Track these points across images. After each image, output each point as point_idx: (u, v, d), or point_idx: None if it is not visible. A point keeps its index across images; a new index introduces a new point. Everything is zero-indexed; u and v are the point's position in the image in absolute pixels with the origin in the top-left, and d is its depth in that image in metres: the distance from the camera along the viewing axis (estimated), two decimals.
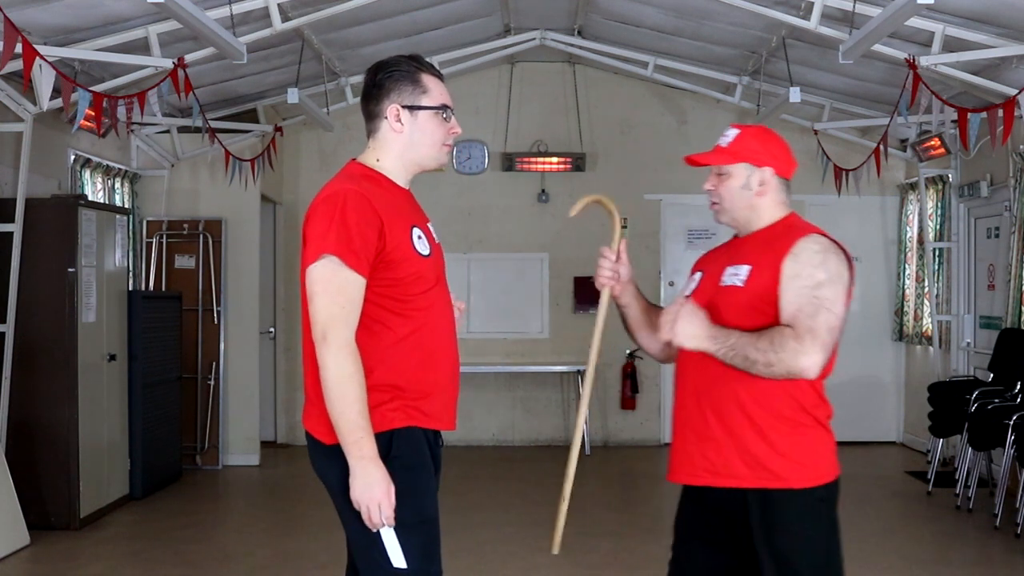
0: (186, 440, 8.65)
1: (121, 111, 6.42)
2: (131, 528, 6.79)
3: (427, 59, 2.86)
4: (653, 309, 3.04)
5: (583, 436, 3.00)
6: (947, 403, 7.54)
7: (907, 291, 9.75)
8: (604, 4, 8.33)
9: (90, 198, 7.49)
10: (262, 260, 9.32)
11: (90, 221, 6.76)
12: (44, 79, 5.76)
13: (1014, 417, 6.33)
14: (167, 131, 8.68)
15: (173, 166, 8.97)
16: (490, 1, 8.32)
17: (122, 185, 8.51)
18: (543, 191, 10.11)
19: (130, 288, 7.78)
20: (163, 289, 8.77)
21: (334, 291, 2.53)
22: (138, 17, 6.32)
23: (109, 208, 7.48)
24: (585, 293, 9.96)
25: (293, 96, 7.71)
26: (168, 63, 6.43)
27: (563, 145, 10.10)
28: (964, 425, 7.03)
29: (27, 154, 6.58)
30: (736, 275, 2.75)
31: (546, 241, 10.13)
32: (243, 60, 6.45)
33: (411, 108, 2.71)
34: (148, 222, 8.88)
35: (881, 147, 7.92)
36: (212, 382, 8.86)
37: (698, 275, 2.91)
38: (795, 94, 7.56)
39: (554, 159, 10.02)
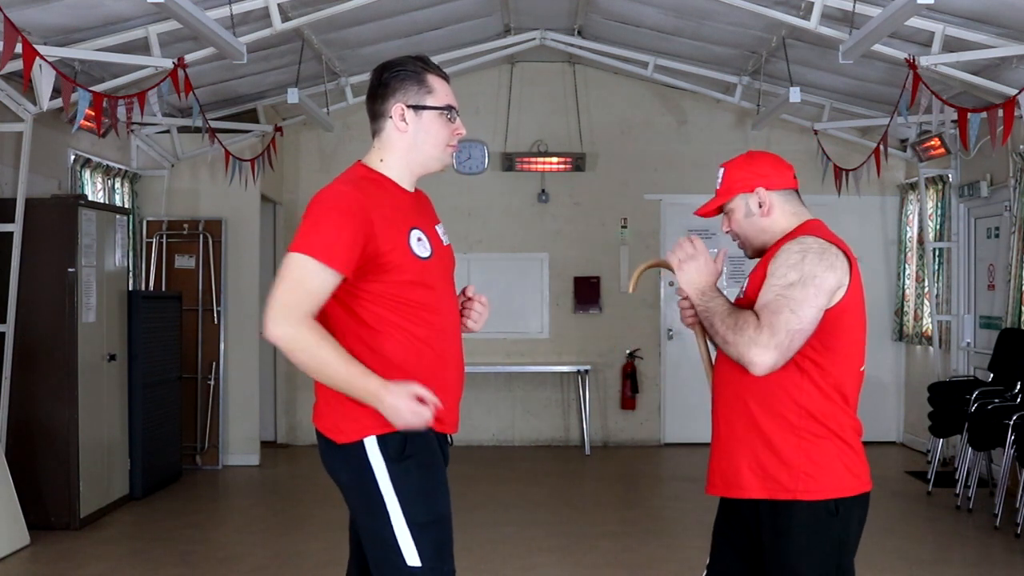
0: (186, 440, 8.65)
1: (121, 111, 6.42)
2: (131, 528, 6.79)
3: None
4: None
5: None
6: (947, 403, 7.54)
7: (907, 291, 9.75)
8: (604, 4, 8.33)
9: (90, 198, 7.49)
10: (262, 260, 9.32)
11: (90, 221, 6.76)
12: (44, 79, 5.76)
13: (1014, 417, 6.33)
14: (167, 131, 8.68)
15: (173, 166, 8.97)
16: (490, 1, 8.32)
17: (122, 185, 8.52)
18: (543, 191, 10.11)
19: (130, 288, 7.78)
20: (163, 289, 8.77)
21: (293, 282, 2.54)
22: (138, 17, 6.32)
23: (109, 208, 7.48)
24: (585, 293, 9.96)
25: (293, 96, 7.71)
26: (168, 63, 6.43)
27: (563, 145, 10.10)
28: (964, 425, 7.03)
29: (27, 154, 6.58)
30: (740, 289, 2.85)
31: (546, 241, 10.13)
32: (243, 60, 6.45)
33: (416, 108, 2.71)
34: (148, 222, 8.88)
35: (881, 147, 7.91)
36: (212, 382, 8.86)
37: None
38: (795, 94, 7.56)
39: (554, 159, 10.02)
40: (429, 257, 2.69)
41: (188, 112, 7.88)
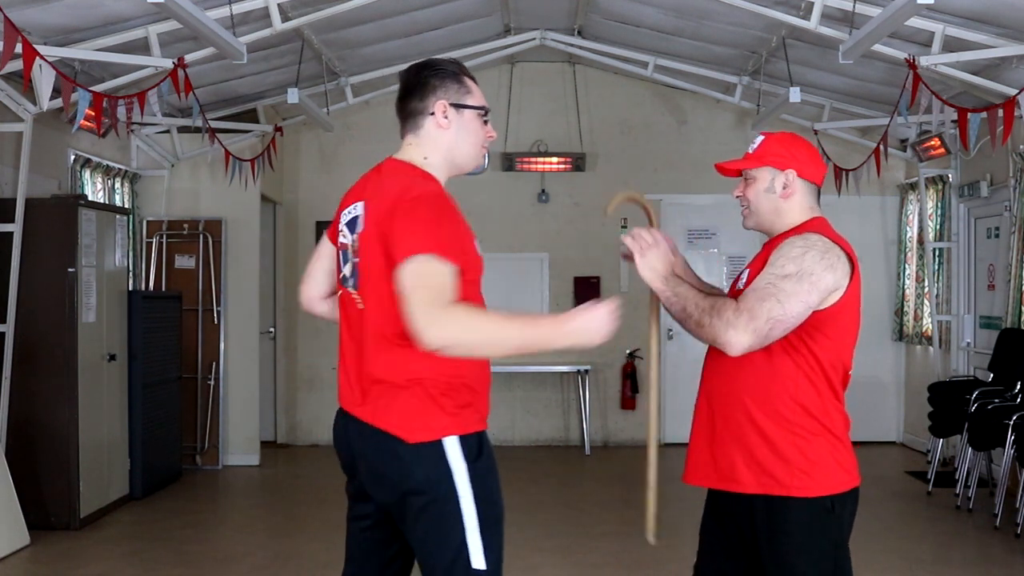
0: (186, 440, 8.65)
1: (121, 111, 6.42)
2: (131, 528, 6.79)
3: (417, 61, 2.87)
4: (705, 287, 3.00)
5: (656, 432, 3.05)
6: (947, 403, 7.54)
7: (907, 291, 9.75)
8: (604, 4, 8.33)
9: (90, 198, 7.49)
10: (262, 260, 9.32)
11: (90, 221, 6.76)
12: (44, 79, 5.76)
13: (1014, 417, 6.33)
14: (167, 131, 8.68)
15: (173, 166, 8.97)
16: (490, 1, 8.32)
17: (122, 185, 8.51)
18: (543, 191, 10.11)
19: (130, 288, 7.78)
20: (163, 289, 8.77)
21: (431, 282, 2.45)
22: (138, 17, 6.32)
23: (109, 208, 7.47)
24: (585, 293, 9.96)
25: (293, 96, 7.71)
26: (168, 63, 6.43)
27: (563, 145, 10.10)
28: (964, 425, 7.03)
29: (27, 154, 6.58)
30: (740, 280, 2.83)
31: (546, 241, 10.13)
32: (243, 60, 6.45)
33: (457, 106, 2.71)
34: (148, 222, 8.88)
35: (881, 147, 7.92)
36: (212, 382, 8.86)
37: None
38: (795, 94, 7.56)
39: (554, 159, 10.02)
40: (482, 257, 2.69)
41: (188, 112, 7.88)
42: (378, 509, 2.71)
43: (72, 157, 7.60)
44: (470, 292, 2.61)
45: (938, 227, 9.10)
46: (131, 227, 8.28)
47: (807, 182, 2.83)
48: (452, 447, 2.58)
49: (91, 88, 6.25)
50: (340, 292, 2.76)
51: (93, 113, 6.13)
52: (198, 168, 9.03)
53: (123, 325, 7.36)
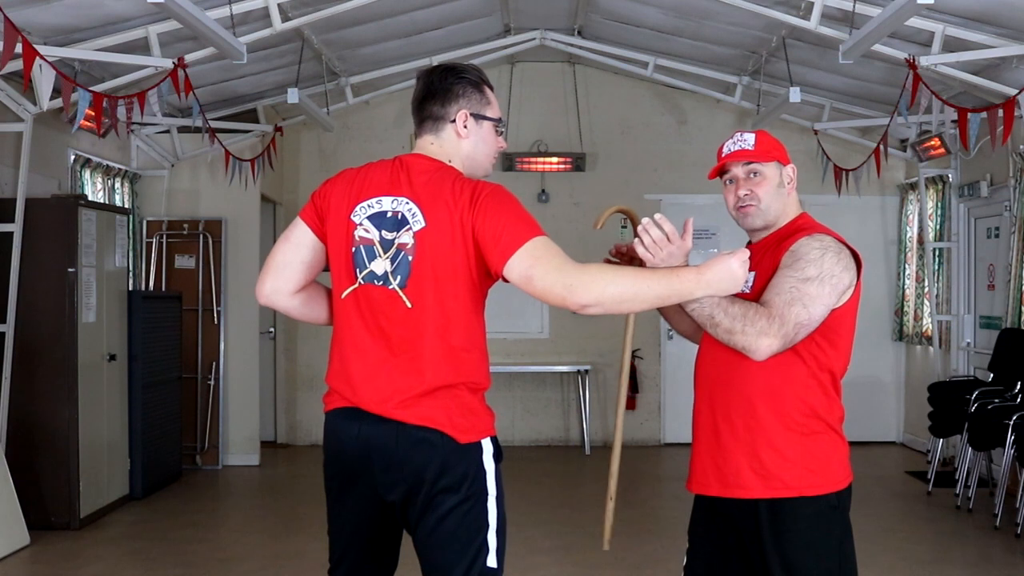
0: (186, 440, 8.65)
1: (121, 111, 6.42)
2: (131, 528, 6.79)
3: (427, 59, 2.87)
4: None
5: (616, 435, 3.04)
6: (947, 403, 7.54)
7: (907, 291, 9.75)
8: (604, 4, 8.33)
9: (90, 198, 7.49)
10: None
11: (90, 221, 6.76)
12: (44, 79, 5.76)
13: (1014, 417, 6.33)
14: (167, 131, 8.68)
15: (173, 166, 8.97)
16: (490, 1, 8.32)
17: (122, 185, 8.52)
18: (543, 191, 10.11)
19: (130, 288, 7.78)
20: (163, 289, 8.77)
21: (555, 251, 2.52)
22: (138, 17, 6.32)
23: (109, 208, 7.48)
24: None
25: (293, 96, 7.71)
26: (168, 63, 6.43)
27: (563, 145, 10.10)
28: (964, 425, 7.03)
29: (27, 154, 6.58)
30: (745, 284, 2.73)
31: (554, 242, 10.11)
32: (243, 60, 6.45)
33: (477, 117, 2.73)
34: (148, 222, 8.88)
35: (881, 147, 7.92)
36: (212, 382, 8.87)
37: None
38: (795, 94, 7.56)
39: (554, 159, 10.02)
40: None
41: (188, 112, 7.88)
42: (370, 510, 2.70)
43: (72, 157, 7.60)
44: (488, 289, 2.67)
45: (938, 227, 9.10)
46: (131, 227, 8.28)
47: None
48: (487, 448, 2.65)
49: (91, 88, 6.25)
50: (354, 288, 2.64)
51: (93, 113, 6.13)
52: (198, 168, 9.03)
53: (123, 325, 7.36)
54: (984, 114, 6.30)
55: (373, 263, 2.62)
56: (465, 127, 2.71)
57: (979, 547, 6.34)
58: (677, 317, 3.00)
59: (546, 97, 10.15)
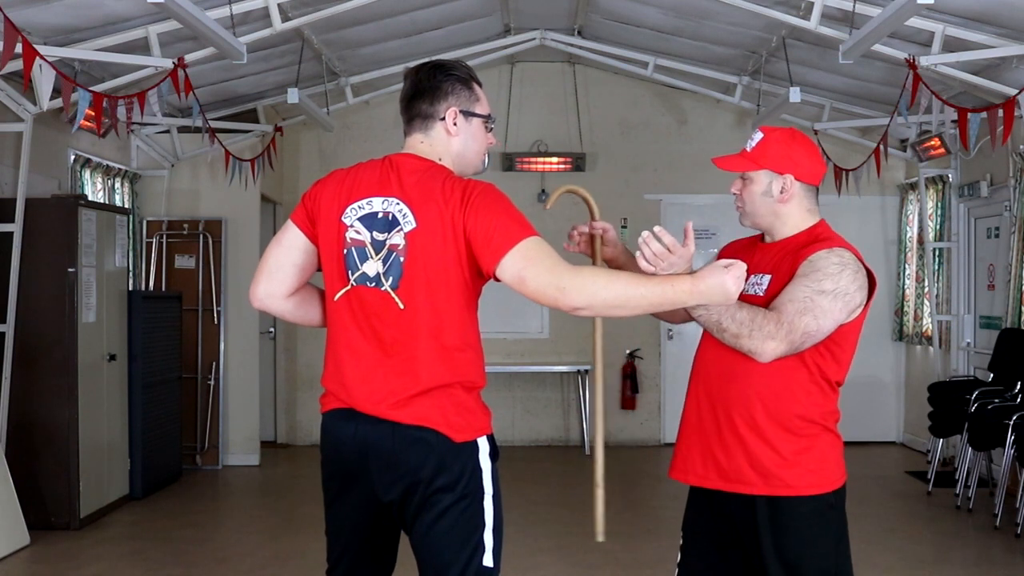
0: (186, 440, 8.65)
1: (121, 111, 6.42)
2: (131, 528, 6.79)
3: (427, 59, 2.86)
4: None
5: (598, 429, 3.03)
6: (947, 403, 7.54)
7: (907, 291, 9.75)
8: (604, 4, 8.33)
9: (90, 198, 7.49)
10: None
11: (90, 221, 6.76)
12: (44, 79, 5.76)
13: (1014, 417, 6.33)
14: (167, 131, 8.68)
15: (173, 166, 8.97)
16: (490, 1, 8.32)
17: (122, 185, 8.52)
18: (543, 191, 10.11)
19: (130, 288, 7.77)
20: (163, 289, 8.77)
21: (548, 252, 2.54)
22: (138, 17, 6.32)
23: (109, 208, 7.47)
24: None
25: (293, 96, 7.71)
26: (168, 63, 6.43)
27: (563, 145, 10.10)
28: (964, 425, 7.03)
29: (27, 154, 6.58)
30: (758, 284, 2.76)
31: (546, 241, 10.10)
32: (243, 60, 6.45)
33: (467, 114, 2.72)
34: (148, 222, 8.88)
35: (881, 147, 7.92)
36: (212, 382, 8.86)
37: None
38: (795, 94, 7.56)
39: (554, 159, 10.02)
40: None
41: (188, 112, 7.88)
42: (368, 510, 2.70)
43: (72, 157, 7.60)
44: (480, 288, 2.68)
45: (938, 227, 9.10)
46: (131, 227, 8.28)
47: (806, 184, 2.79)
48: (484, 446, 2.65)
49: (91, 88, 6.25)
50: (346, 291, 2.64)
51: (93, 113, 6.13)
52: (198, 168, 9.03)
53: (123, 325, 7.36)
54: (984, 114, 6.30)
55: (365, 265, 2.61)
56: (455, 125, 2.71)
57: (979, 547, 6.34)
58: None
59: (546, 97, 10.15)
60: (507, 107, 10.04)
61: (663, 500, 7.71)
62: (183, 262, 8.92)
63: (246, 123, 8.98)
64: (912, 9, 5.38)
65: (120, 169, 8.44)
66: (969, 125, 6.36)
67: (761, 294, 2.73)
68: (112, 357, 7.10)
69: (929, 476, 7.87)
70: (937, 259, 9.12)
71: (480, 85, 2.79)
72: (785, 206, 2.78)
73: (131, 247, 8.25)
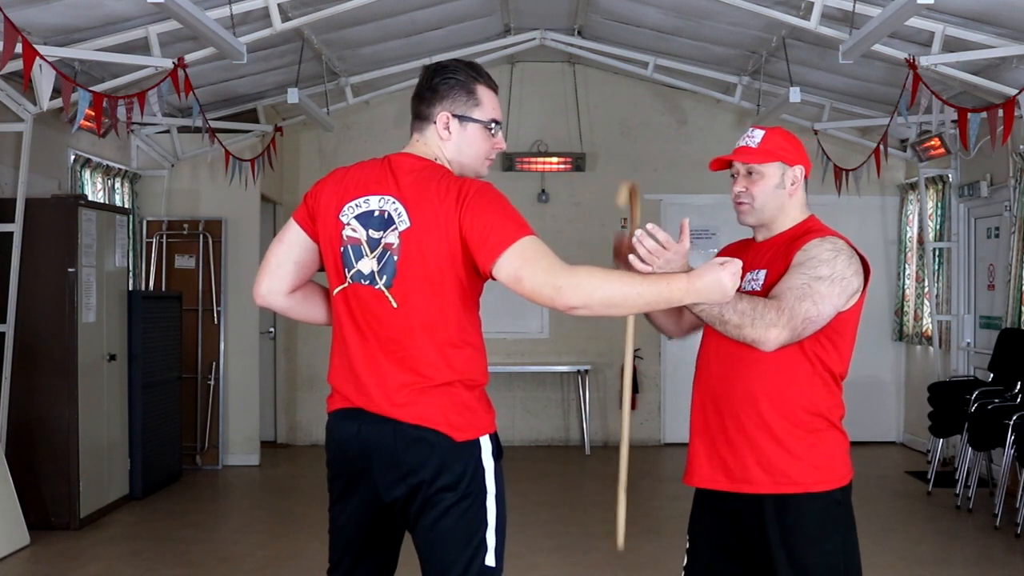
0: (186, 440, 8.65)
1: (121, 111, 6.42)
2: (131, 528, 6.79)
3: (427, 59, 2.84)
4: None
5: (624, 435, 3.00)
6: (947, 403, 7.54)
7: (907, 291, 9.75)
8: (604, 4, 8.33)
9: (90, 198, 7.49)
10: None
11: (90, 221, 6.76)
12: (44, 79, 5.77)
13: (1014, 417, 6.33)
14: (167, 131, 8.68)
15: (173, 166, 8.97)
16: (490, 1, 8.32)
17: (122, 185, 8.52)
18: (543, 191, 10.11)
19: (130, 288, 7.77)
20: (163, 289, 8.77)
21: (545, 251, 2.54)
22: (138, 17, 6.32)
23: (109, 208, 7.48)
24: None
25: (293, 96, 7.71)
26: (168, 63, 6.43)
27: (563, 145, 10.11)
28: (964, 425, 7.03)
29: (27, 154, 6.58)
30: (755, 280, 2.78)
31: (546, 241, 10.00)
32: (243, 60, 6.45)
33: (461, 118, 2.69)
34: (148, 222, 8.88)
35: (881, 147, 7.92)
36: (212, 382, 8.86)
37: None
38: (795, 94, 7.56)
39: (554, 159, 10.02)
40: None
41: (188, 112, 7.88)
42: (370, 510, 2.69)
43: (72, 157, 7.60)
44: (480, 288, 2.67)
45: (938, 227, 9.10)
46: (131, 227, 8.28)
47: (805, 180, 2.87)
48: (486, 445, 2.64)
49: (91, 88, 6.25)
50: (343, 288, 2.65)
51: (93, 113, 6.13)
52: (198, 168, 9.03)
53: (123, 325, 7.36)
54: (984, 114, 6.30)
55: (360, 262, 2.62)
56: (447, 129, 2.69)
57: (979, 547, 6.34)
58: (661, 317, 3.02)
59: (546, 97, 10.15)
60: (507, 107, 10.03)
61: (663, 500, 7.71)
62: (183, 262, 8.92)
63: (246, 123, 8.98)
64: (912, 9, 5.38)
65: (120, 169, 8.44)
66: (969, 125, 6.36)
67: (758, 289, 2.75)
68: (112, 357, 7.10)
69: (929, 476, 7.87)
70: (937, 259, 9.13)
71: (491, 88, 2.74)
72: (792, 199, 2.83)
73: (131, 247, 8.25)
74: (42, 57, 5.67)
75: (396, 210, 2.60)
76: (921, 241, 9.40)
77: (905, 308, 9.76)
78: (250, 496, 8.21)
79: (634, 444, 10.60)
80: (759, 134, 2.83)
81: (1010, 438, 6.31)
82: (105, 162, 8.13)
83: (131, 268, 8.20)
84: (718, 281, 2.50)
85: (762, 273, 2.77)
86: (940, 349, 8.96)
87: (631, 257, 2.62)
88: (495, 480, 2.65)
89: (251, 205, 9.02)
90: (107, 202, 8.11)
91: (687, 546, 2.95)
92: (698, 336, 2.96)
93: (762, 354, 2.66)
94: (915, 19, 6.03)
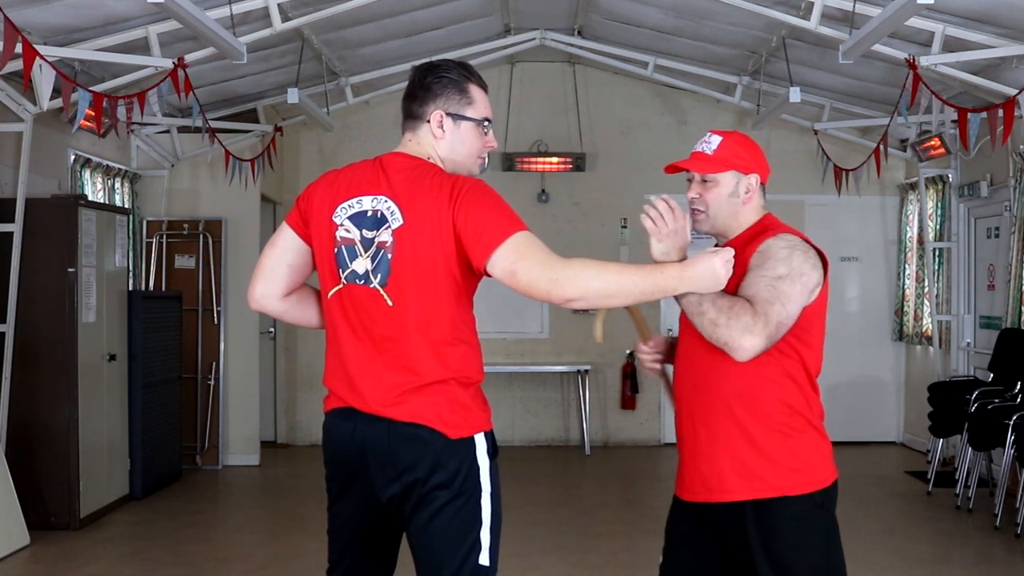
0: (186, 440, 8.65)
1: (121, 111, 6.42)
2: (131, 528, 6.79)
3: (426, 59, 2.84)
4: None
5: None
6: (947, 403, 7.54)
7: (907, 291, 9.75)
8: (604, 4, 8.33)
9: (90, 198, 7.49)
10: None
11: (90, 221, 6.76)
12: (44, 79, 5.77)
13: (1014, 417, 6.33)
14: (167, 131, 8.68)
15: (173, 166, 8.98)
16: (490, 1, 8.32)
17: (122, 185, 8.52)
18: (543, 191, 10.11)
19: (130, 288, 7.78)
20: (163, 289, 8.77)
21: (539, 246, 2.54)
22: (138, 17, 6.32)
23: (109, 208, 7.48)
24: None
25: (293, 96, 7.71)
26: (168, 63, 6.43)
27: (563, 145, 10.10)
28: (964, 425, 7.03)
29: (27, 154, 6.58)
30: None
31: (546, 241, 9.96)
32: (243, 60, 6.46)
33: (455, 117, 2.70)
34: (148, 222, 8.88)
35: (881, 147, 7.92)
36: (212, 382, 8.86)
37: None
38: (795, 94, 7.56)
39: (554, 159, 10.02)
40: None
41: (188, 112, 7.88)
42: (368, 510, 2.70)
43: (72, 157, 7.60)
44: (475, 287, 2.66)
45: (938, 227, 9.10)
46: (131, 227, 8.28)
47: (761, 186, 2.82)
48: (481, 443, 2.64)
49: (91, 88, 6.25)
50: (339, 288, 2.66)
51: (93, 113, 6.13)
52: (198, 168, 9.03)
53: (123, 325, 7.36)
54: (984, 114, 6.30)
55: (355, 262, 2.63)
56: (441, 128, 2.70)
57: (979, 547, 6.34)
58: None
59: (546, 97, 10.15)
60: (507, 107, 10.04)
61: (663, 500, 7.70)
62: (183, 262, 8.92)
63: (246, 123, 8.98)
64: (912, 9, 5.38)
65: (120, 169, 8.44)
66: (969, 125, 6.36)
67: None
68: (112, 357, 7.10)
69: (929, 476, 7.87)
70: (937, 259, 9.12)
71: (482, 87, 2.76)
72: (744, 207, 2.79)
73: (131, 247, 8.25)
74: (42, 57, 5.67)
75: (389, 209, 2.60)
76: (921, 241, 9.40)
77: (905, 308, 9.76)
78: (250, 496, 8.21)
79: (634, 444, 10.64)
80: (716, 140, 2.79)
81: (1010, 438, 6.31)
82: (105, 162, 8.13)
83: (131, 268, 8.20)
84: (711, 268, 2.52)
85: None
86: (940, 349, 8.96)
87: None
88: (490, 478, 2.64)
89: (251, 205, 9.02)
90: (107, 202, 8.11)
91: (663, 545, 2.95)
92: None
93: (731, 359, 2.61)
94: (915, 19, 6.03)
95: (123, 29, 6.43)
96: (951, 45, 6.43)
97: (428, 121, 2.70)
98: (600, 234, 9.98)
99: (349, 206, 2.65)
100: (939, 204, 9.11)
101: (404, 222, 2.58)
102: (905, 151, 9.29)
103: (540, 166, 10.05)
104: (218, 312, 8.90)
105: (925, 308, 9.39)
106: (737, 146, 2.79)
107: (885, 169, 8.62)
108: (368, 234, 2.61)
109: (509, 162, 9.95)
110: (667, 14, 8.01)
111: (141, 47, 6.57)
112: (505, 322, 9.86)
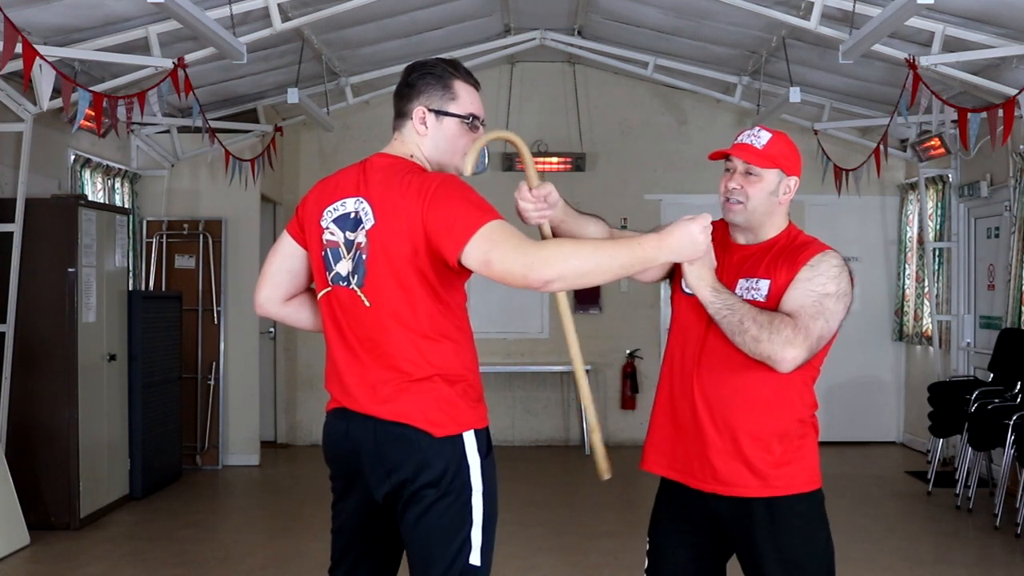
0: (186, 440, 8.65)
1: (121, 111, 6.42)
2: (131, 528, 6.79)
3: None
4: (594, 218, 3.04)
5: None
6: (947, 403, 7.54)
7: (907, 291, 9.75)
8: (604, 4, 8.33)
9: (90, 198, 7.49)
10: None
11: (90, 221, 6.76)
12: (44, 79, 5.77)
13: (1014, 417, 6.33)
14: (167, 131, 8.68)
15: (173, 166, 8.97)
16: (490, 1, 8.32)
17: (122, 185, 8.52)
18: None
19: (130, 288, 7.78)
20: (163, 289, 8.77)
21: (510, 233, 2.50)
22: (138, 17, 6.32)
23: (109, 208, 7.48)
24: (585, 293, 9.95)
25: (293, 96, 7.71)
26: (168, 63, 6.43)
27: (563, 145, 10.10)
28: (964, 425, 7.03)
29: (27, 154, 6.58)
30: (756, 290, 2.74)
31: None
32: (243, 60, 6.46)
33: (437, 113, 2.70)
34: (148, 222, 8.88)
35: (881, 147, 7.92)
36: (212, 382, 8.86)
37: None
38: (795, 94, 7.56)
39: (554, 159, 10.02)
40: None
41: (188, 112, 7.88)
42: (368, 510, 2.70)
43: (72, 157, 7.60)
44: (463, 280, 2.65)
45: (938, 227, 9.10)
46: (131, 227, 8.28)
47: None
48: (470, 441, 2.62)
49: (91, 88, 6.25)
50: (327, 291, 2.68)
51: (93, 113, 6.13)
52: (198, 168, 9.03)
53: (123, 325, 7.36)
54: (984, 114, 6.30)
55: (338, 265, 2.65)
56: (424, 124, 2.70)
57: (979, 547, 6.34)
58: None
59: (546, 97, 10.15)
60: (507, 107, 10.05)
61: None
62: (183, 262, 8.92)
63: (246, 123, 8.98)
64: (912, 9, 5.39)
65: (120, 169, 8.44)
66: (969, 125, 6.36)
67: (761, 300, 2.72)
68: (112, 357, 7.10)
69: (929, 476, 7.87)
70: (937, 259, 9.13)
71: (470, 84, 2.75)
72: (779, 208, 2.82)
73: (131, 247, 8.25)
74: (42, 57, 5.67)
75: (364, 210, 2.62)
76: (921, 241, 9.40)
77: (905, 308, 9.76)
78: (250, 496, 8.21)
79: (634, 444, 10.60)
80: (765, 136, 2.80)
81: (1010, 438, 6.31)
82: (105, 162, 8.13)
83: (131, 268, 8.20)
84: (689, 234, 2.53)
85: (764, 283, 2.73)
86: (940, 349, 8.96)
87: (520, 204, 2.76)
88: (482, 477, 2.61)
89: (251, 205, 9.02)
90: (107, 202, 8.11)
91: (649, 528, 2.94)
92: None
93: (757, 363, 2.64)
94: (915, 19, 6.03)
95: (123, 29, 6.43)
96: (951, 45, 6.43)
97: (411, 118, 2.71)
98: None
99: (334, 209, 2.68)
100: (939, 204, 9.11)
101: (375, 222, 2.59)
102: (905, 151, 9.29)
103: (540, 166, 10.04)
104: (218, 312, 8.90)
105: (925, 308, 9.39)
106: (785, 147, 2.82)
107: (885, 169, 8.62)
108: (350, 236, 2.64)
109: (509, 162, 9.95)
110: (667, 14, 8.01)
111: (141, 47, 6.57)
112: (504, 322, 9.85)
